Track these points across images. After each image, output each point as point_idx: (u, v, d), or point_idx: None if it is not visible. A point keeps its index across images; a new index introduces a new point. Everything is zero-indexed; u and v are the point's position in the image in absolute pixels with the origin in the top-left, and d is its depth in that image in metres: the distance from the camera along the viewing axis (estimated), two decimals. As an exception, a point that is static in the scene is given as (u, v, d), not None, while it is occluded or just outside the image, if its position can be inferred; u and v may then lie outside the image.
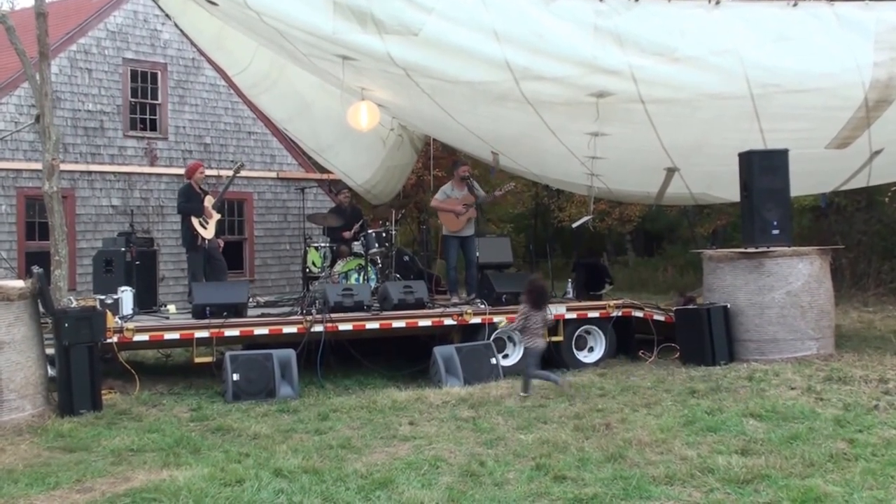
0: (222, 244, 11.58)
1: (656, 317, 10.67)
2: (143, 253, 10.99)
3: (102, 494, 5.33)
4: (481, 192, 12.02)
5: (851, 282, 17.69)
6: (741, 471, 5.45)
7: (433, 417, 7.40)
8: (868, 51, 8.47)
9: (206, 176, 11.90)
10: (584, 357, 10.53)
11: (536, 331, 8.33)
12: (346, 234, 12.57)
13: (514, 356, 10.19)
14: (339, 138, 13.14)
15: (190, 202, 11.03)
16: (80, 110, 15.22)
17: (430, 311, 10.08)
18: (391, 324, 9.76)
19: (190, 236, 10.98)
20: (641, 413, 7.25)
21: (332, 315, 9.48)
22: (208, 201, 11.11)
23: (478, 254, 11.57)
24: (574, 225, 12.56)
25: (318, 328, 9.31)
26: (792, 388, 7.90)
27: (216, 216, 11.19)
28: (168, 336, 9.00)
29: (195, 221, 10.91)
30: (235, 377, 8.35)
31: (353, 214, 13.15)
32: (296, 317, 9.58)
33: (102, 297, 9.45)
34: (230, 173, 11.95)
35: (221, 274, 11.19)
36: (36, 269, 7.79)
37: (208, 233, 11.00)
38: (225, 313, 9.19)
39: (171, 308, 10.80)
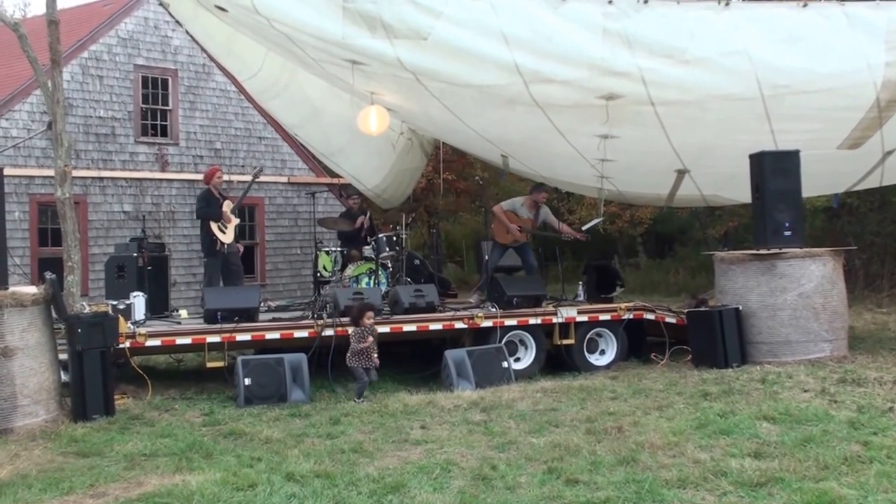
0: (241, 249, 11.63)
1: (668, 319, 10.63)
2: (155, 258, 11.03)
3: (115, 499, 5.35)
4: (552, 221, 11.93)
5: (865, 283, 17.58)
6: (754, 474, 5.43)
7: (445, 421, 7.40)
8: (879, 51, 8.43)
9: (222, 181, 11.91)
10: (596, 360, 10.51)
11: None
12: (361, 220, 12.70)
13: (526, 359, 10.18)
14: (350, 142, 13.17)
15: (209, 207, 11.06)
16: (91, 117, 15.30)
17: (441, 314, 10.08)
18: (402, 328, 9.76)
19: (209, 241, 10.99)
20: (654, 416, 7.23)
21: (343, 319, 9.48)
22: (227, 206, 11.14)
23: (487, 257, 11.58)
24: (584, 227, 12.57)
25: (329, 332, 9.33)
26: (805, 391, 7.86)
27: (235, 221, 11.22)
28: (180, 341, 9.04)
29: (214, 226, 10.93)
30: (247, 382, 8.37)
31: (365, 222, 13.21)
32: (307, 321, 9.60)
33: (115, 302, 9.50)
34: (247, 178, 12.00)
35: (237, 279, 11.23)
36: (49, 275, 7.83)
37: (227, 237, 11.03)
38: (236, 318, 9.22)
39: (183, 313, 10.84)
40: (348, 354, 8.74)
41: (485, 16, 8.20)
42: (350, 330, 8.90)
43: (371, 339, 8.75)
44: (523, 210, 11.78)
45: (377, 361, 8.75)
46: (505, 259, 11.79)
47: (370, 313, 8.87)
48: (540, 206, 11.84)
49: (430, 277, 12.27)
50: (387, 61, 8.75)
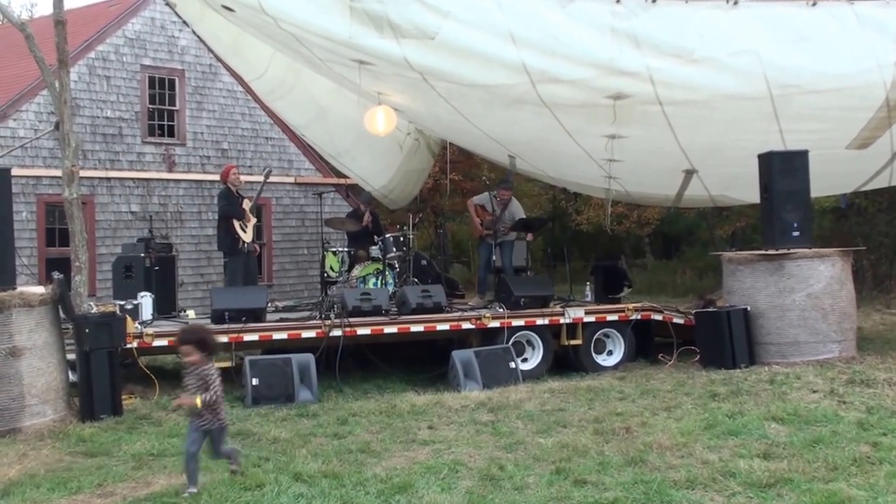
0: (258, 250, 11.61)
1: (676, 320, 10.61)
2: (162, 258, 11.04)
3: (123, 499, 5.36)
4: (516, 216, 11.85)
5: (873, 284, 17.51)
6: (763, 475, 5.41)
7: (452, 421, 7.39)
8: (889, 50, 8.40)
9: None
10: (604, 360, 10.49)
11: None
12: (366, 219, 12.66)
13: (533, 360, 10.17)
14: (357, 143, 13.17)
15: (231, 205, 10.97)
16: (98, 117, 15.33)
17: (449, 315, 10.07)
18: (409, 328, 9.76)
19: (230, 240, 10.88)
20: (662, 417, 7.21)
21: (351, 319, 9.49)
22: (245, 205, 11.13)
23: (494, 258, 11.57)
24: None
25: (337, 332, 9.33)
26: (814, 392, 7.83)
27: (254, 220, 11.22)
28: (187, 341, 9.03)
29: (237, 224, 10.86)
30: (255, 382, 8.37)
31: (371, 220, 13.19)
32: (314, 321, 9.60)
33: (122, 302, 9.51)
34: (252, 179, 12.01)
35: (252, 281, 11.23)
36: (56, 275, 7.84)
37: (247, 236, 11.02)
38: (244, 318, 9.23)
39: (191, 313, 10.85)
40: None
41: (492, 15, 8.18)
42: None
43: (192, 398, 5.32)
44: (489, 205, 11.76)
45: (220, 420, 5.46)
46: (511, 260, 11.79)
47: (187, 347, 5.41)
48: (509, 202, 11.77)
49: (438, 278, 12.26)
50: (394, 61, 8.75)
